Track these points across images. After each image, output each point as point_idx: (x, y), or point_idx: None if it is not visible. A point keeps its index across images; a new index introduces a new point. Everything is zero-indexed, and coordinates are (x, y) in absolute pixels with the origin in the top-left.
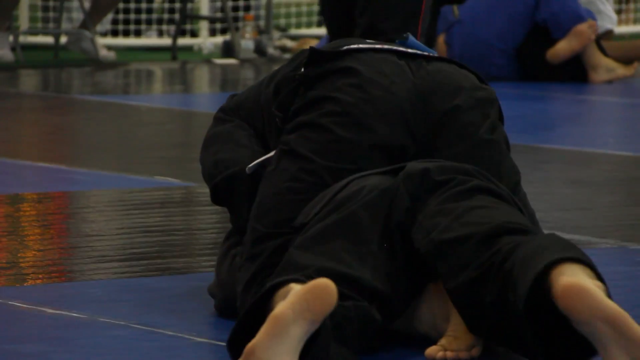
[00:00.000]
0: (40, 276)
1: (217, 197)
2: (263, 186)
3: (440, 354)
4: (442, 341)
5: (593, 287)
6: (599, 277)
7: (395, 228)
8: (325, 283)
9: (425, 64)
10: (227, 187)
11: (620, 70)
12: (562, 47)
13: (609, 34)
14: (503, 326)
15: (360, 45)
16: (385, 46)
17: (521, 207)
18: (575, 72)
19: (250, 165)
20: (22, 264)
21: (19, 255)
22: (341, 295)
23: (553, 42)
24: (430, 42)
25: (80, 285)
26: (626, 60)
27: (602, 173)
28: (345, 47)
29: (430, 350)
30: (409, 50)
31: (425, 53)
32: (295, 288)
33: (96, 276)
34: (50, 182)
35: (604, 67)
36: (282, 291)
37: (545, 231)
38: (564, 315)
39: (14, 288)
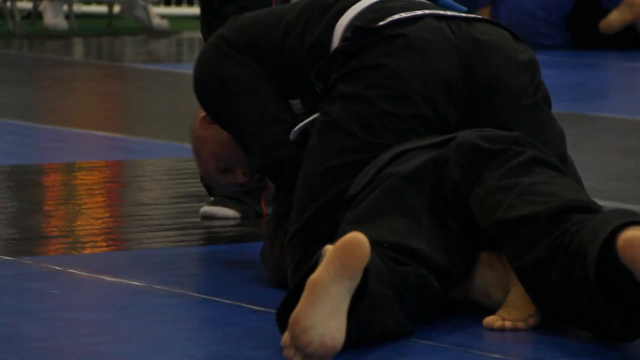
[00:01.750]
0: (97, 245)
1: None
2: (307, 163)
3: (499, 323)
4: (501, 311)
5: None
6: None
7: (443, 204)
8: (354, 236)
9: (464, 24)
10: (277, 170)
11: None
12: (615, 18)
13: None
14: (571, 303)
15: (402, 15)
16: (426, 11)
17: (575, 177)
18: (629, 40)
19: (294, 129)
20: (79, 233)
21: (76, 224)
22: (401, 262)
23: (604, 10)
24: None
25: (137, 253)
26: None
27: None
28: (385, 22)
29: (489, 320)
30: (447, 13)
31: (462, 14)
32: (328, 249)
33: (153, 245)
34: (105, 151)
35: None
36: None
37: (601, 201)
38: (633, 281)
39: (72, 256)
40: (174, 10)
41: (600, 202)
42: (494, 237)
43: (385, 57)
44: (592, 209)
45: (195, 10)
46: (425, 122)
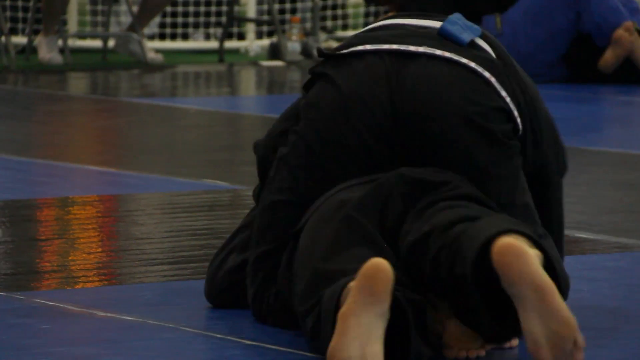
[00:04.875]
0: (90, 279)
1: None
2: (263, 194)
3: (462, 352)
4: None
5: (530, 253)
6: (547, 256)
7: (389, 233)
8: (376, 262)
9: (422, 66)
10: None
11: None
12: (610, 57)
13: None
14: (457, 301)
15: (365, 47)
16: (393, 46)
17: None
18: (626, 72)
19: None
20: (72, 267)
21: (69, 258)
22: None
23: (599, 49)
24: None
25: (130, 288)
26: None
27: None
28: (342, 51)
29: (449, 352)
30: (418, 49)
31: (430, 51)
32: (351, 284)
33: (146, 279)
34: (99, 185)
35: None
36: (343, 297)
37: (593, 234)
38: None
39: (65, 291)
40: (168, 44)
41: (593, 236)
42: (404, 262)
43: (318, 97)
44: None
45: (190, 44)
46: (364, 165)
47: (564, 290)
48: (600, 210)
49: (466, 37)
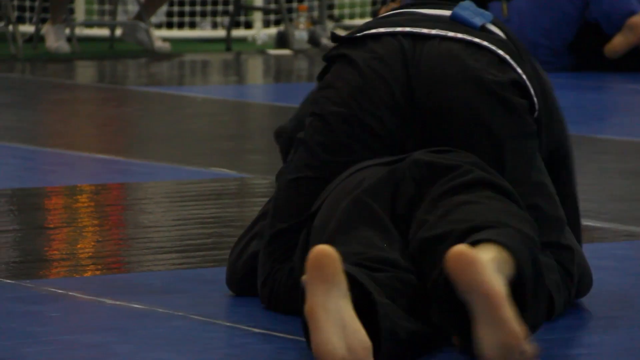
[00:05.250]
0: (98, 267)
1: None
2: (282, 175)
3: None
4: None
5: (482, 260)
6: (522, 268)
7: (400, 218)
8: (316, 249)
9: (436, 45)
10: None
11: None
12: (619, 42)
13: None
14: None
15: (379, 30)
16: (406, 29)
17: (521, 203)
18: (633, 62)
19: None
20: (81, 255)
21: (77, 246)
22: (381, 271)
23: (606, 36)
24: None
25: (138, 276)
26: None
27: None
28: (358, 34)
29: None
30: (431, 32)
31: (443, 33)
32: (303, 278)
33: (154, 267)
34: (107, 174)
35: None
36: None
37: (601, 223)
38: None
39: (73, 279)
40: (176, 33)
41: (601, 224)
42: (413, 252)
43: (341, 78)
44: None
45: (197, 33)
46: (382, 142)
47: (537, 293)
48: (608, 199)
49: (478, 21)
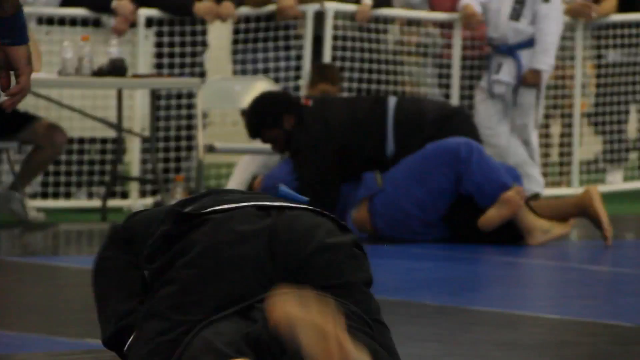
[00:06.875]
0: None
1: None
2: (133, 350)
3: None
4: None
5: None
6: None
7: None
8: None
9: (286, 212)
10: (118, 339)
11: (557, 230)
12: (493, 216)
13: (536, 197)
14: None
15: (221, 207)
16: (251, 203)
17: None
18: (506, 235)
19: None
20: None
21: None
22: None
23: (480, 209)
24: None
25: None
26: (559, 219)
27: (531, 336)
28: (204, 210)
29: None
30: (274, 203)
31: (288, 204)
32: None
33: None
34: None
35: (539, 229)
36: None
37: None
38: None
39: None
40: (51, 203)
41: None
42: None
43: (198, 240)
44: None
45: (73, 203)
46: (237, 300)
47: None
48: None
49: (303, 198)
